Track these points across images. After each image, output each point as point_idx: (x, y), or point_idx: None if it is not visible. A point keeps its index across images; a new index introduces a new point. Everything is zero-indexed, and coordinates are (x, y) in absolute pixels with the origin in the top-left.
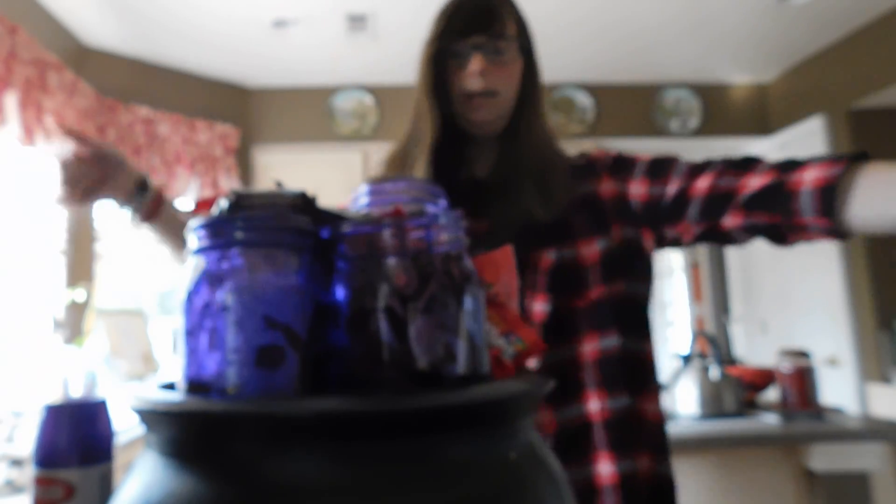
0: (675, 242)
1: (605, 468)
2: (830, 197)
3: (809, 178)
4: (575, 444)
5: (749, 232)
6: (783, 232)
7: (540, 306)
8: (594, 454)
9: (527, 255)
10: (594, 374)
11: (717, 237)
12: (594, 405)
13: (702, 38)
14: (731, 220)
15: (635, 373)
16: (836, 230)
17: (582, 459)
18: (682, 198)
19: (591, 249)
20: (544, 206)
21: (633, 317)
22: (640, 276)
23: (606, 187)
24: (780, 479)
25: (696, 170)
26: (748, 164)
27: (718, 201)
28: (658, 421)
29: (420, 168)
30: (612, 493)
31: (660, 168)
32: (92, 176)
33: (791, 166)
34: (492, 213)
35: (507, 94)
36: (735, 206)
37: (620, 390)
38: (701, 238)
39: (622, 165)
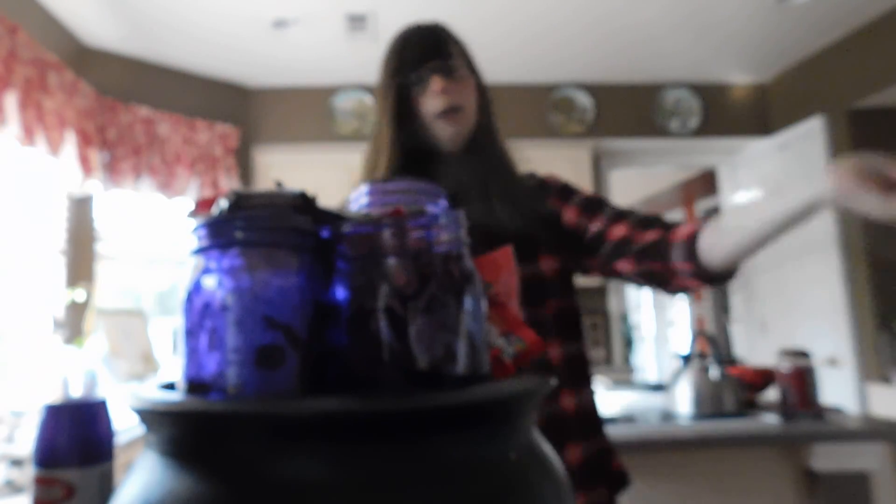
0: (586, 272)
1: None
2: (693, 245)
3: (682, 232)
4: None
5: (641, 277)
6: (666, 278)
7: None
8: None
9: None
10: (565, 374)
11: (618, 277)
12: (567, 401)
13: (702, 37)
14: (624, 266)
15: (587, 371)
16: (700, 273)
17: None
18: (600, 238)
19: (551, 265)
20: (514, 217)
21: (579, 326)
22: (576, 292)
23: (553, 205)
24: (780, 479)
25: (619, 216)
26: (653, 222)
27: (621, 248)
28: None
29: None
30: (577, 474)
31: (592, 205)
32: None
33: (676, 225)
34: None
35: (470, 107)
36: (629, 254)
37: (585, 385)
38: (606, 275)
39: (567, 192)
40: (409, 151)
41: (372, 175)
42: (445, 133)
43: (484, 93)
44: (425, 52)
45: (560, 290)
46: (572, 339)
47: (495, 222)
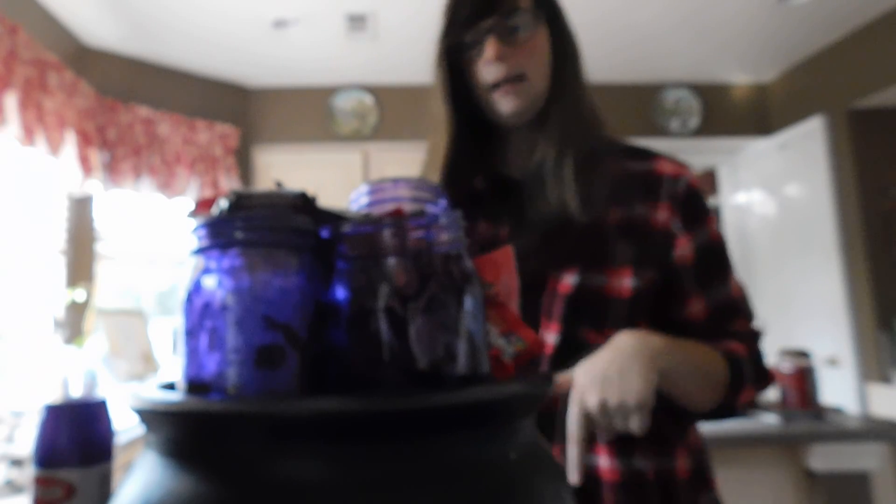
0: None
1: None
2: None
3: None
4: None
5: None
6: None
7: (551, 337)
8: None
9: (544, 274)
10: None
11: None
12: (604, 462)
13: (702, 37)
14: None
15: (655, 435)
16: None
17: None
18: (685, 323)
19: (624, 283)
20: (581, 204)
21: None
22: (660, 328)
23: (662, 217)
24: (780, 479)
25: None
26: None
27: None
28: (687, 480)
29: (435, 177)
30: None
31: (710, 272)
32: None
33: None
34: (514, 216)
35: (536, 73)
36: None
37: (633, 450)
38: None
39: (689, 210)
40: (469, 129)
41: (434, 161)
42: (503, 107)
43: (563, 47)
44: (481, 6)
45: (628, 316)
46: None
47: (564, 212)
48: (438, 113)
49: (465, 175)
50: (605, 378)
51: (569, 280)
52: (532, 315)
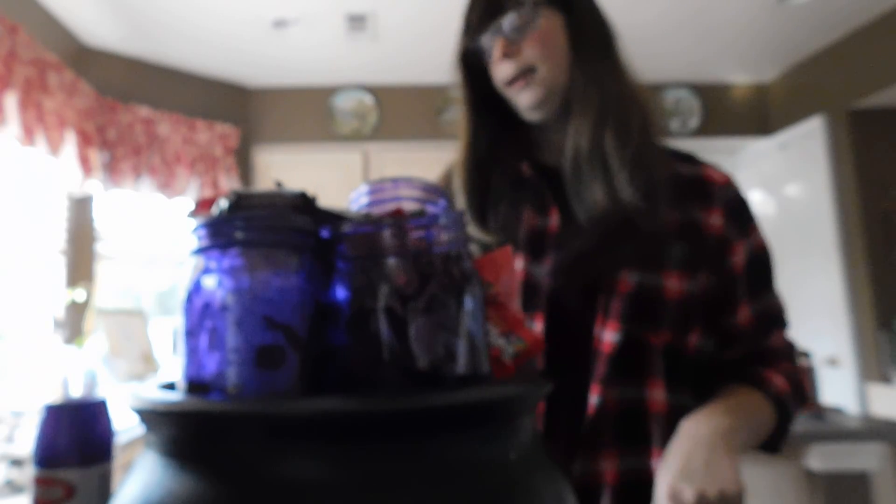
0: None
1: None
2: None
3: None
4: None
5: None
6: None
7: (610, 336)
8: None
9: (600, 272)
10: (664, 430)
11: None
12: (608, 465)
13: (702, 38)
14: (730, 354)
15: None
16: None
17: None
18: (735, 332)
19: (681, 285)
20: (643, 202)
21: (690, 373)
22: (710, 334)
23: (716, 223)
24: (780, 479)
25: (767, 322)
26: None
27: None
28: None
29: (458, 180)
30: None
31: (756, 279)
32: None
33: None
34: (562, 207)
35: (547, 63)
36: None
37: (642, 453)
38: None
39: (741, 218)
40: (505, 122)
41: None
42: (521, 102)
43: (581, 32)
44: (489, 9)
45: (684, 320)
46: (678, 387)
47: (615, 201)
48: (460, 120)
49: (501, 166)
50: (694, 471)
51: (629, 279)
52: (588, 312)
